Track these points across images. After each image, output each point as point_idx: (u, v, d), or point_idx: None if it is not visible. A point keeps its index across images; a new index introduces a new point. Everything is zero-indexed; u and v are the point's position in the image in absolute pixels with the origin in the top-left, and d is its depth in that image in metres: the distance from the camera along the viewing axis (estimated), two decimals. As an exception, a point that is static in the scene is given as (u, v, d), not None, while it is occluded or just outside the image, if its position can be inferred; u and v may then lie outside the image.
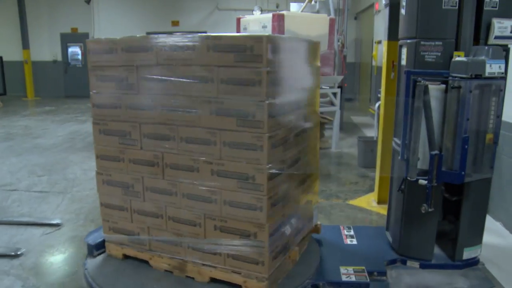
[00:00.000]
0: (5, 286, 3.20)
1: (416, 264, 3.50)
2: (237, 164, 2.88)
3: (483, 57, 2.97)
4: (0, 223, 4.32)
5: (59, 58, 16.42)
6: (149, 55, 3.02)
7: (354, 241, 3.85)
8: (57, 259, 3.69)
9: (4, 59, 15.22)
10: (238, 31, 7.93)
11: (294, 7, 9.70)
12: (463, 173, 3.05)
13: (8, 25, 15.94)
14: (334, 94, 7.85)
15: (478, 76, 2.93)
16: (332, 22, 7.76)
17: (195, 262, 3.16)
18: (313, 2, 9.31)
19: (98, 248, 3.51)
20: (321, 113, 8.48)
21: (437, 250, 3.57)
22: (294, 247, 3.36)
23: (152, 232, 3.29)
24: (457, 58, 3.05)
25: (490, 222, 4.44)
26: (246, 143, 2.83)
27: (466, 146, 3.00)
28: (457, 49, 3.13)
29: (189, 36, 2.92)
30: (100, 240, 3.52)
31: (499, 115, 3.09)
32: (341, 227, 4.10)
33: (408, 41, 3.28)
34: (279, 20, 6.85)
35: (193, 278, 3.17)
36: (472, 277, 3.37)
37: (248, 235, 2.94)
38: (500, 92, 3.03)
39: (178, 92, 2.98)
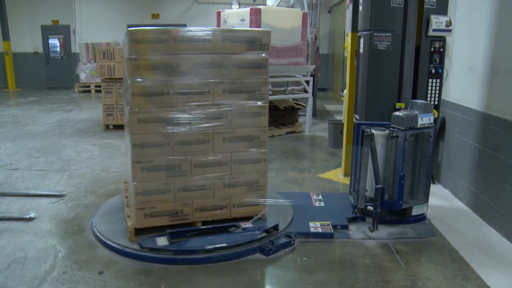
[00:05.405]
0: (26, 241, 3.74)
1: (373, 220, 4.17)
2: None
3: (416, 112, 3.74)
4: (10, 195, 4.81)
5: (40, 50, 16.57)
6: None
7: (322, 204, 4.51)
8: (67, 221, 4.20)
9: (-16, 51, 15.35)
10: (218, 24, 8.48)
11: (270, 1, 10.21)
12: (400, 202, 3.86)
13: (-13, 17, 15.97)
14: (307, 82, 8.44)
15: (411, 127, 3.73)
16: (305, 16, 8.40)
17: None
18: (288, -3, 9.89)
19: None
20: (295, 99, 9.13)
21: (391, 209, 4.26)
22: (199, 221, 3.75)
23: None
24: (396, 113, 3.81)
25: (439, 190, 5.15)
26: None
27: (403, 182, 3.81)
28: (403, 39, 3.81)
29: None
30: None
31: (430, 156, 3.90)
32: (311, 193, 4.76)
33: (365, 32, 3.95)
34: (256, 14, 7.44)
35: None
36: (419, 229, 4.08)
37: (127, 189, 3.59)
38: (430, 138, 3.86)
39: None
